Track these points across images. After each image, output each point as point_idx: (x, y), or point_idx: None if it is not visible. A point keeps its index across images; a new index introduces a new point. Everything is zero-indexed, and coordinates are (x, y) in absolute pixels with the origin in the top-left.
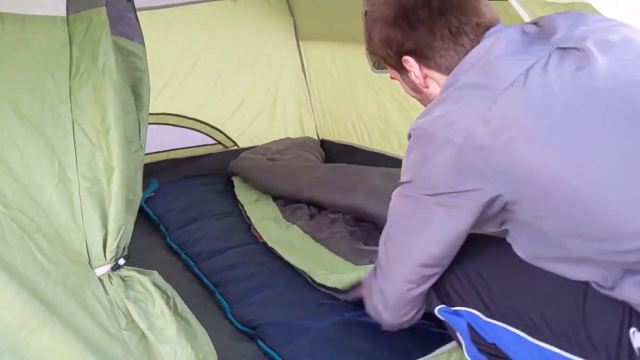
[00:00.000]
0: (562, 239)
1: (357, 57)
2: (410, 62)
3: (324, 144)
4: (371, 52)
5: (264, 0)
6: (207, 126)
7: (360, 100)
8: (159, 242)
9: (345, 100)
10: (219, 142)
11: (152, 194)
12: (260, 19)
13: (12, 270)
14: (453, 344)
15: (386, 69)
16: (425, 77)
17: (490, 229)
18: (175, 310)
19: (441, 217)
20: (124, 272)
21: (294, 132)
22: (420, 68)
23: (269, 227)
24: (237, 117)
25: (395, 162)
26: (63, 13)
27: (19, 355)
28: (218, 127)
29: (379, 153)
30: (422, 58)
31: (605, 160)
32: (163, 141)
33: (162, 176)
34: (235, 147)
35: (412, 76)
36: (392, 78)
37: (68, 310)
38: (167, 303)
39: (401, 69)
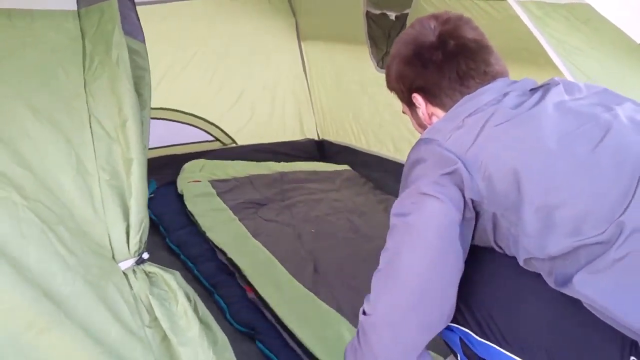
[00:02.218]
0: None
1: (355, 60)
2: (418, 99)
3: (323, 143)
4: (388, 86)
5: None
6: (204, 122)
7: (356, 102)
8: (158, 242)
9: (343, 101)
10: (217, 139)
11: (152, 195)
12: (259, 17)
13: (23, 268)
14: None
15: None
16: (430, 115)
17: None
18: (196, 313)
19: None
20: (148, 267)
21: (293, 132)
22: (426, 106)
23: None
24: (235, 114)
25: (392, 165)
26: (73, 7)
27: (26, 356)
28: (216, 123)
29: (376, 155)
30: (430, 96)
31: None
32: (160, 137)
33: (158, 173)
34: (234, 145)
35: (420, 113)
36: (403, 112)
37: (85, 305)
38: (190, 304)
39: (411, 105)
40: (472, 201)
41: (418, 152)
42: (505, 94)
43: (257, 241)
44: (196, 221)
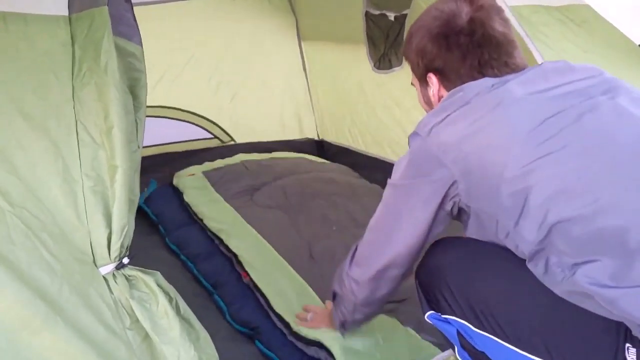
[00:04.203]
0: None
1: (353, 62)
2: (433, 79)
3: (323, 144)
4: (405, 54)
5: None
6: (203, 120)
7: (353, 104)
8: (158, 242)
9: (341, 102)
10: (216, 137)
11: (152, 194)
12: (259, 17)
13: (15, 269)
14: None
15: (386, 70)
16: (440, 97)
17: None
18: (177, 312)
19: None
20: (128, 271)
21: (293, 131)
22: (439, 88)
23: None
24: (234, 112)
25: (391, 167)
26: (65, 12)
27: (21, 356)
28: (215, 121)
29: (373, 157)
30: (445, 79)
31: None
32: (159, 135)
33: (157, 171)
34: (232, 142)
35: (430, 92)
36: (411, 84)
37: (72, 308)
38: (170, 304)
39: (423, 81)
40: (453, 202)
41: (409, 146)
42: (493, 85)
43: (252, 228)
44: (192, 211)
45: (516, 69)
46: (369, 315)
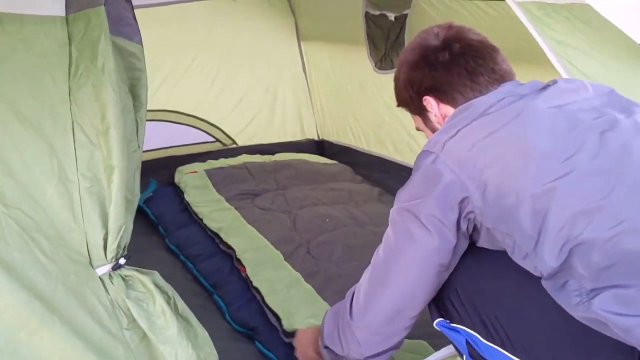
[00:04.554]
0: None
1: (354, 61)
2: (430, 101)
3: (324, 144)
4: (397, 96)
5: (264, 0)
6: (205, 123)
7: (355, 103)
8: (158, 242)
9: (343, 102)
10: (218, 140)
11: (152, 194)
12: (260, 19)
13: (11, 269)
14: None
15: (388, 70)
16: (443, 116)
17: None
18: (176, 311)
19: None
20: (124, 271)
21: (294, 132)
22: (439, 106)
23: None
24: (236, 115)
25: (392, 165)
26: (62, 13)
27: (19, 355)
28: (217, 124)
29: (376, 156)
30: (441, 94)
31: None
32: (161, 138)
33: (160, 174)
34: (234, 145)
35: (433, 117)
36: (417, 129)
37: (68, 309)
38: (168, 303)
39: (423, 112)
40: (468, 219)
41: (417, 164)
42: (501, 100)
43: (252, 227)
44: (193, 210)
45: (505, 75)
46: None
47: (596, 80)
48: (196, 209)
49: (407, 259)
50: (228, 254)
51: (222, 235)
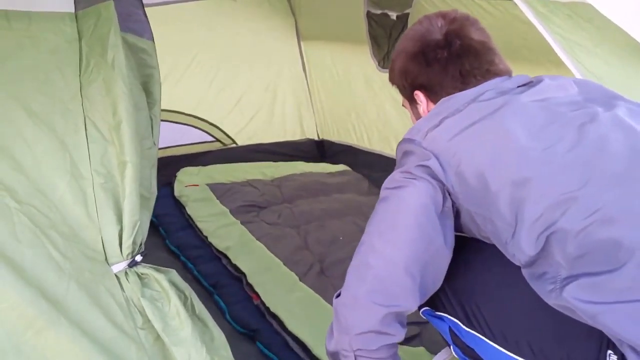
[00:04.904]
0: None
1: (357, 58)
2: (420, 96)
3: (323, 143)
4: (391, 80)
5: (264, 0)
6: (205, 123)
7: (359, 101)
8: (158, 242)
9: (345, 100)
10: (218, 140)
11: None
12: (260, 18)
13: (19, 268)
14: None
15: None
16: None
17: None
18: (192, 312)
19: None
20: (141, 269)
21: (294, 132)
22: (427, 103)
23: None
24: (236, 114)
25: (394, 163)
26: (70, 9)
27: (24, 356)
28: (216, 124)
29: (377, 154)
30: (432, 93)
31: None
32: (161, 138)
33: (160, 174)
34: (234, 145)
35: (420, 109)
36: (403, 106)
37: (80, 307)
38: (184, 303)
39: (412, 101)
40: (450, 194)
41: (401, 149)
42: (483, 93)
43: (261, 243)
44: (197, 227)
45: (499, 73)
46: None
47: (601, 78)
48: (200, 225)
49: (405, 209)
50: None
51: (230, 256)
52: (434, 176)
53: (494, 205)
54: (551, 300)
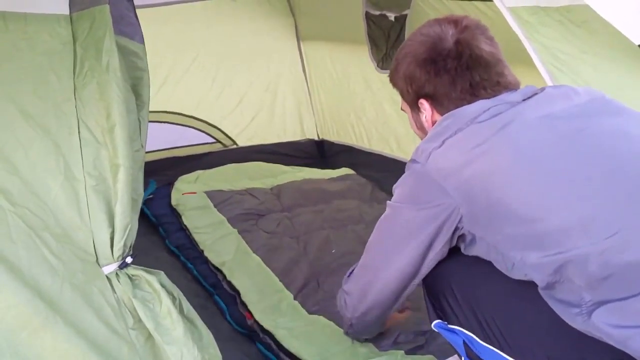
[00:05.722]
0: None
1: (356, 58)
2: (425, 105)
3: (323, 144)
4: (392, 81)
5: (264, 0)
6: (205, 124)
7: (358, 101)
8: (158, 243)
9: (344, 101)
10: (218, 141)
11: (152, 195)
12: (259, 18)
13: (15, 269)
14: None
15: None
16: (434, 122)
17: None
18: (181, 312)
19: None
20: (131, 270)
21: (294, 132)
22: (432, 113)
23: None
24: (236, 115)
25: (394, 163)
26: (65, 11)
27: (20, 356)
28: (216, 125)
29: (377, 154)
30: (437, 104)
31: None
32: (161, 140)
33: (160, 175)
34: (234, 146)
35: (423, 118)
36: (402, 110)
37: (74, 308)
38: (174, 304)
39: (415, 107)
40: (456, 229)
41: (407, 167)
42: (487, 109)
43: (257, 257)
44: (193, 239)
45: (509, 85)
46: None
47: (588, 83)
48: (197, 237)
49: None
50: None
51: (225, 272)
52: (441, 217)
53: (503, 227)
54: (577, 325)
